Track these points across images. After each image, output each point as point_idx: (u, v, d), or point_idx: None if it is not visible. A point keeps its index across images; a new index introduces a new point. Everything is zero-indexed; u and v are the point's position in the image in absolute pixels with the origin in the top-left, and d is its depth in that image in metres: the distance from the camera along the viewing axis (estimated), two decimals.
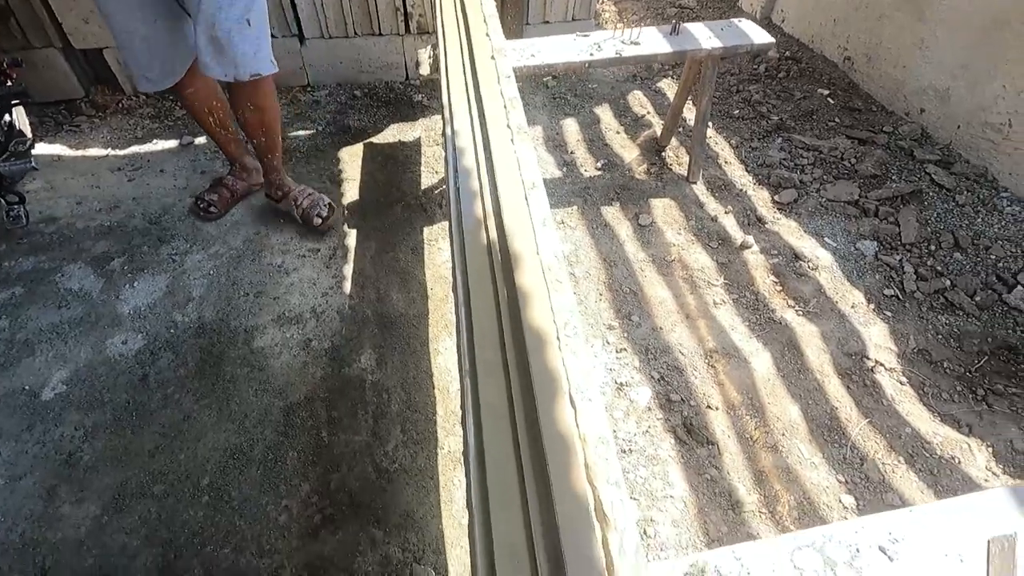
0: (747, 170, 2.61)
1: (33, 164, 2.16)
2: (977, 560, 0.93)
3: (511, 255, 1.27)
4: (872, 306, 2.00)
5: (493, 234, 1.34)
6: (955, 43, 2.43)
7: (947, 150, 2.53)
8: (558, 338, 1.14)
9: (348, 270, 2.18)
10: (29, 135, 2.35)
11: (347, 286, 2.11)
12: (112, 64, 3.00)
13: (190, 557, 1.40)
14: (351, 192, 2.55)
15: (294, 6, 2.93)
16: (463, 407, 1.06)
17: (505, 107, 1.79)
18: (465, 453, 1.00)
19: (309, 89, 3.23)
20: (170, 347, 1.87)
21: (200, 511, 1.47)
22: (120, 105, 3.04)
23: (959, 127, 2.50)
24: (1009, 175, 2.31)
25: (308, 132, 2.91)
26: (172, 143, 2.79)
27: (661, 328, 1.95)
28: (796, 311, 2.00)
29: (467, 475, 0.97)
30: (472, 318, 1.16)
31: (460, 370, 1.11)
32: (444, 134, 1.71)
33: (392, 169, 2.69)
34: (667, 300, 2.04)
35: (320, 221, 2.24)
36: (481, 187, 1.48)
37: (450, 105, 1.81)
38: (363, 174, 2.66)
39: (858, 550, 0.94)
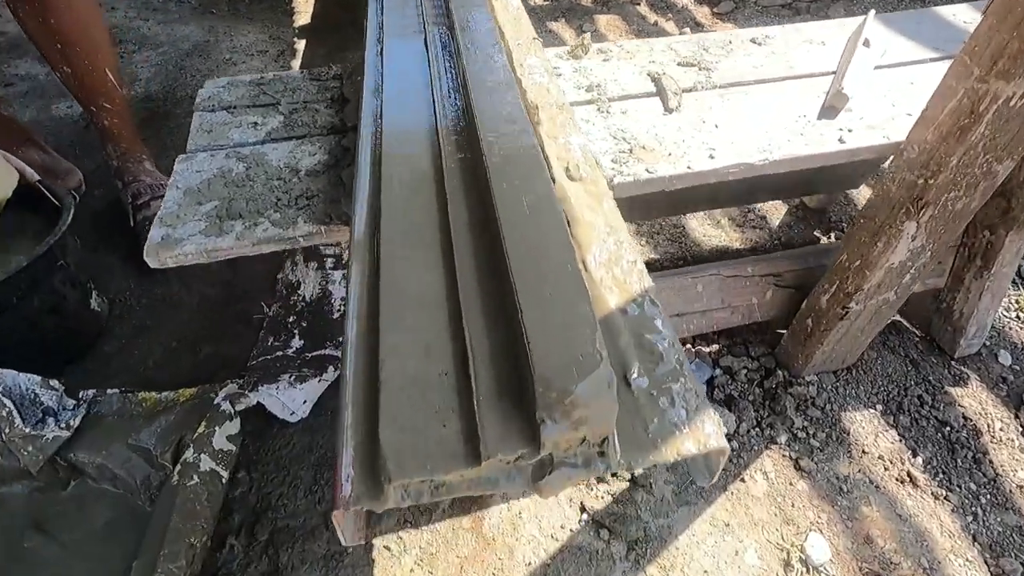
0: None
1: None
2: (837, 44, 1.03)
3: None
4: None
5: None
6: None
7: None
8: None
9: (296, 64, 2.25)
10: None
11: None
12: None
13: None
14: (303, 18, 2.64)
15: None
16: None
17: None
18: None
19: None
20: None
21: None
22: None
23: None
24: None
25: None
26: None
27: None
28: None
29: None
30: None
31: None
32: None
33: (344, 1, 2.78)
34: None
35: None
36: None
37: None
38: (315, 5, 2.74)
39: (731, 42, 1.03)
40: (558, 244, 0.46)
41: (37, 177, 1.11)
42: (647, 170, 0.75)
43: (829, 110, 0.87)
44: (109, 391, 0.97)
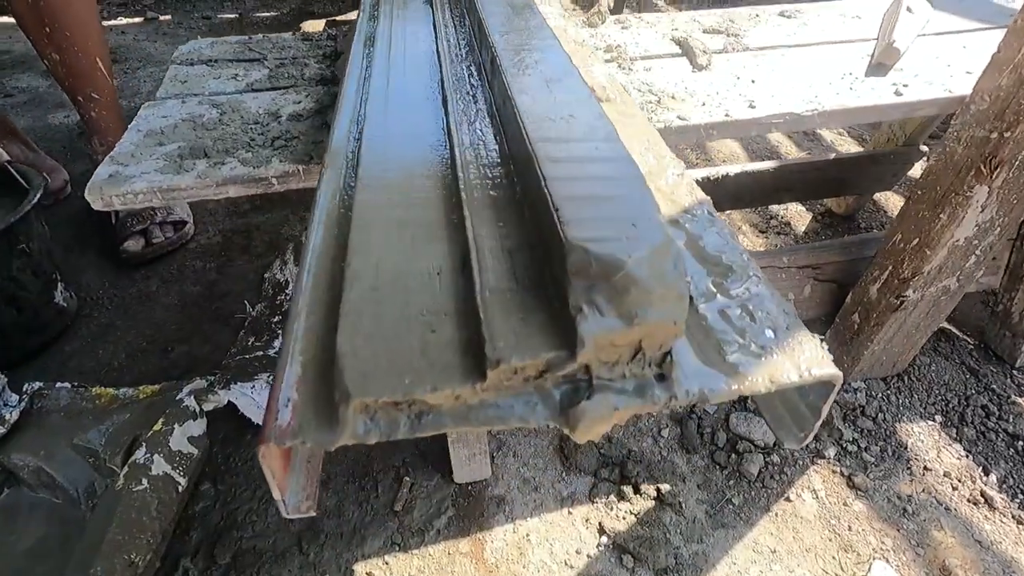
0: None
1: None
2: (875, 17, 0.95)
3: None
4: None
5: None
6: None
7: None
8: None
9: None
10: None
11: None
12: None
13: None
14: None
15: None
16: None
17: None
18: None
19: None
20: None
21: None
22: None
23: None
24: None
25: (272, 14, 3.03)
26: (137, 19, 2.88)
27: None
28: None
29: None
30: None
31: None
32: None
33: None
34: None
35: (141, 244, 1.26)
36: None
37: None
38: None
39: (758, 15, 0.96)
40: (586, 110, 0.35)
41: (6, 157, 1.02)
42: (679, 117, 0.65)
43: (878, 67, 0.78)
44: (58, 384, 0.84)
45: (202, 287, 1.22)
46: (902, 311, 0.85)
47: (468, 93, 0.44)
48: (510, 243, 0.30)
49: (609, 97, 0.51)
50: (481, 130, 0.40)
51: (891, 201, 1.49)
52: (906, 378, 0.99)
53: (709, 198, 0.39)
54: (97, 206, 0.55)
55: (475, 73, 0.48)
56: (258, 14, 3.02)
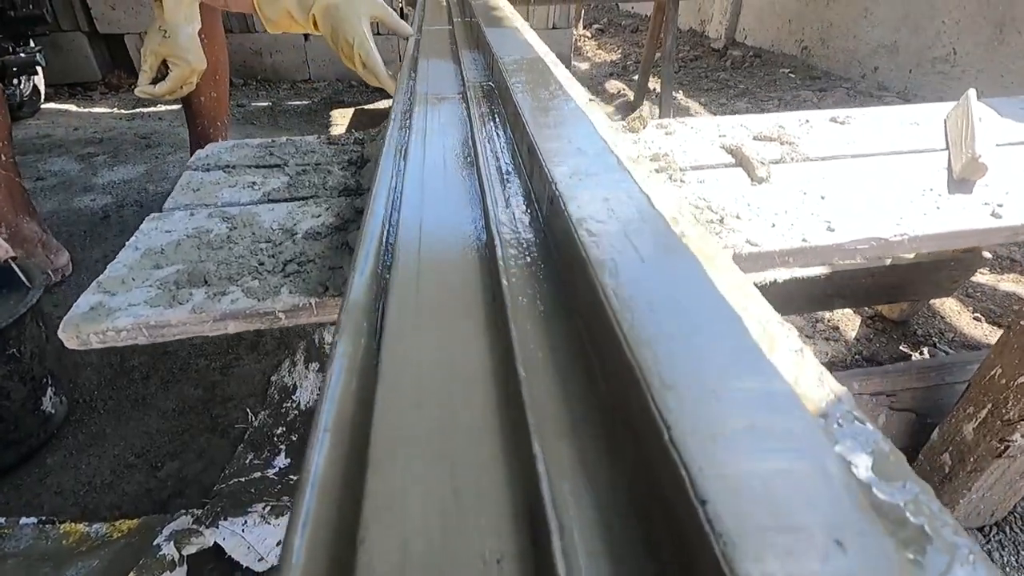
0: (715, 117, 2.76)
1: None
2: (934, 124, 0.89)
3: None
4: None
5: None
6: (895, 0, 2.71)
7: (903, 94, 2.69)
8: None
9: None
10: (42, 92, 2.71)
11: None
12: (131, 49, 3.30)
13: None
14: (337, 130, 2.69)
15: None
16: None
17: None
18: None
19: (309, 81, 3.52)
20: (137, 204, 1.89)
21: None
22: (132, 86, 3.31)
23: (911, 71, 2.68)
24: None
25: (303, 102, 3.14)
26: (175, 106, 2.99)
27: None
28: None
29: None
30: None
31: None
32: None
33: (380, 119, 2.85)
34: None
35: None
36: None
37: None
38: (350, 124, 2.82)
39: (808, 121, 0.91)
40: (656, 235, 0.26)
41: (11, 254, 0.97)
42: (749, 242, 0.57)
43: (962, 183, 0.70)
44: (23, 521, 0.73)
45: (203, 390, 1.12)
46: (1006, 458, 0.72)
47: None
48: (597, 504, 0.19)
49: (684, 232, 0.42)
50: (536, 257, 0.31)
51: (947, 305, 1.38)
52: (1007, 529, 0.84)
53: (846, 389, 0.29)
54: (72, 345, 0.47)
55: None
56: (290, 102, 3.13)
